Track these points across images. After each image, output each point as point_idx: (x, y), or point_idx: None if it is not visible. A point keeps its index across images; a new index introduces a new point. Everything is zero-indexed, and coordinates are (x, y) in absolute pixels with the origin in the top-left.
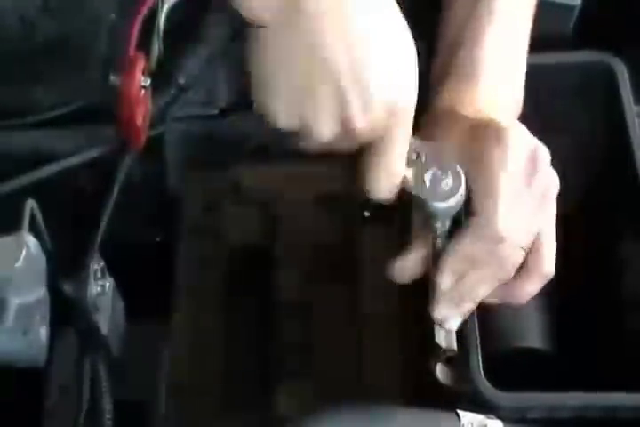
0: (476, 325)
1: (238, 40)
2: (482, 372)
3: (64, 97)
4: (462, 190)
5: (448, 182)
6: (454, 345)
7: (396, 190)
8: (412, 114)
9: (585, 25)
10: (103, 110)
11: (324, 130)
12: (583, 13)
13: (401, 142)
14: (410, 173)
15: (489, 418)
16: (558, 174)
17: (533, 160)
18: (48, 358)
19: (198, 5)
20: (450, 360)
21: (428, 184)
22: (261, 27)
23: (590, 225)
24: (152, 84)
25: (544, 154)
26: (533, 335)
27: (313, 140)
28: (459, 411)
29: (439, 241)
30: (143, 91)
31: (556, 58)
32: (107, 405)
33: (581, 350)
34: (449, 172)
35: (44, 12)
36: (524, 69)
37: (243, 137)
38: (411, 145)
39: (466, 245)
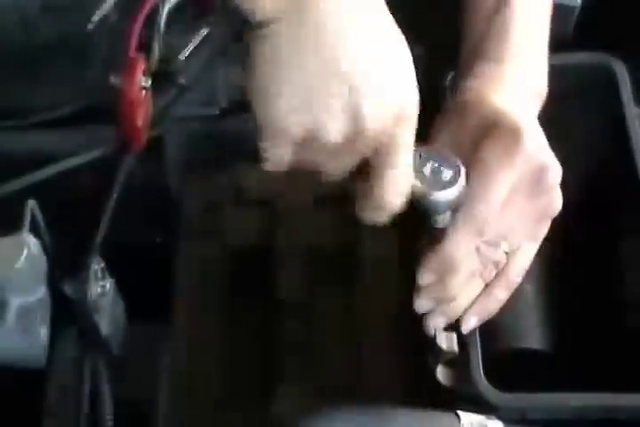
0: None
1: (238, 40)
2: (482, 372)
3: (64, 97)
4: (462, 181)
5: (448, 173)
6: (454, 346)
7: (405, 200)
8: (416, 118)
9: (585, 26)
10: (103, 111)
11: (334, 129)
12: (583, 14)
13: (409, 148)
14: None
15: (489, 419)
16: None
17: (540, 175)
18: (48, 359)
19: (198, 5)
20: (450, 361)
21: (427, 176)
22: (267, 26)
23: (591, 225)
24: (152, 84)
25: (555, 171)
26: (533, 336)
27: (319, 141)
28: (459, 411)
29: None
30: (143, 91)
31: (557, 59)
32: (107, 405)
33: (581, 350)
34: (448, 164)
35: (44, 12)
36: (546, 58)
37: (243, 137)
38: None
39: (449, 243)
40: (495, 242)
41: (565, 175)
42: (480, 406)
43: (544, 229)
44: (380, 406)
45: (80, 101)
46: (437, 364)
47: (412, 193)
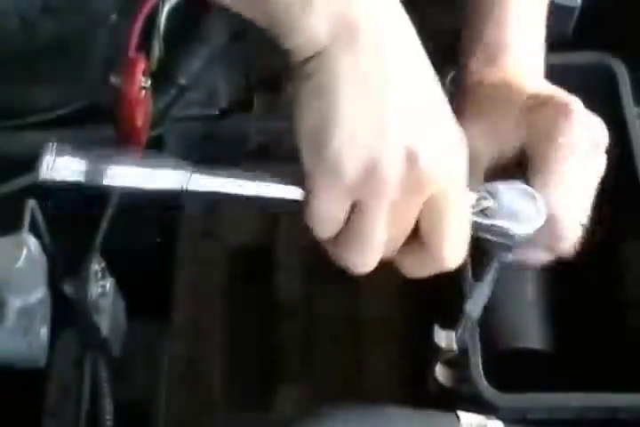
0: (476, 325)
1: (237, 40)
2: (482, 373)
3: (64, 97)
4: (543, 208)
5: (525, 204)
6: (454, 346)
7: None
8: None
9: (585, 26)
10: (103, 111)
11: (392, 170)
12: (583, 14)
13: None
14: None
15: (489, 419)
16: None
17: (596, 135)
18: (48, 359)
19: (198, 5)
20: (450, 361)
21: (504, 210)
22: (316, 60)
23: (592, 225)
24: (152, 84)
25: (603, 127)
26: (533, 336)
27: (377, 184)
28: (458, 412)
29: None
30: (143, 91)
31: (556, 59)
32: (107, 405)
33: (581, 350)
34: (521, 193)
35: (44, 12)
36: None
37: (243, 137)
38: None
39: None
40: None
41: None
42: (480, 406)
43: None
44: (380, 407)
45: (80, 101)
46: (437, 364)
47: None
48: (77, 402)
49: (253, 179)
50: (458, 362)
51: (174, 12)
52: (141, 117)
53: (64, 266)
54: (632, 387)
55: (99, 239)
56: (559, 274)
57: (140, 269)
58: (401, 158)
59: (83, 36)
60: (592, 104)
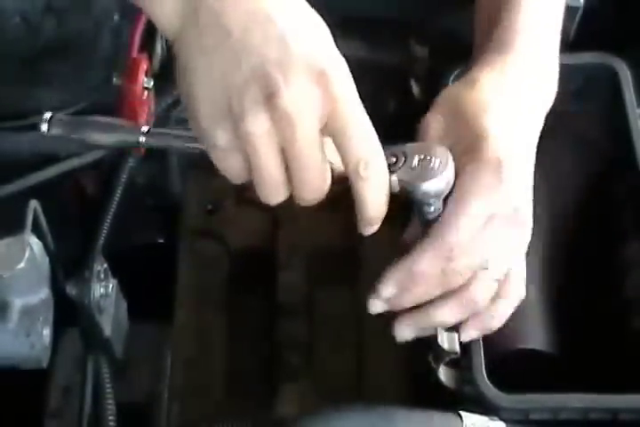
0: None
1: None
2: (484, 373)
3: (66, 98)
4: (451, 169)
5: (436, 163)
6: (457, 347)
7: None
8: (348, 84)
9: (588, 26)
10: (106, 111)
11: (253, 117)
12: (586, 14)
13: (359, 108)
14: (394, 177)
15: (492, 419)
16: (562, 176)
17: (515, 215)
18: (51, 359)
19: None
20: (452, 362)
21: (414, 167)
22: (178, 40)
23: (594, 226)
24: (155, 85)
25: (527, 212)
26: (536, 337)
27: (248, 138)
28: (461, 412)
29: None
30: (146, 92)
31: (559, 59)
32: (109, 405)
33: (584, 351)
34: (436, 153)
35: (46, 12)
36: (556, 60)
37: None
38: (386, 150)
39: (411, 259)
40: (469, 268)
41: (567, 176)
42: (482, 406)
43: (522, 257)
44: (382, 407)
45: (82, 102)
46: (440, 364)
47: (400, 187)
48: (79, 403)
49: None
50: (460, 363)
51: None
52: (144, 118)
53: (66, 267)
54: (634, 388)
55: (101, 240)
56: (560, 274)
57: (142, 270)
58: (261, 110)
59: (85, 36)
60: (594, 104)
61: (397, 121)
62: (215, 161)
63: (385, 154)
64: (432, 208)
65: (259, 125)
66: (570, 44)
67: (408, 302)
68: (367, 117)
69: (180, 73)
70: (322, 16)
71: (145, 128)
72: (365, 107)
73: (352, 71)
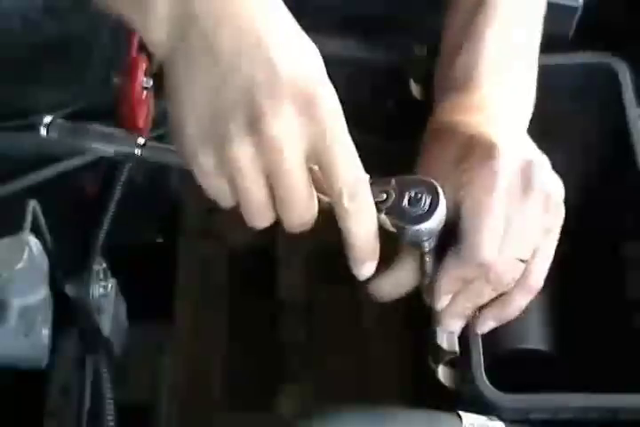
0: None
1: None
2: (484, 373)
3: (66, 97)
4: (442, 205)
5: (427, 201)
6: (456, 347)
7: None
8: (336, 111)
9: (587, 26)
10: (105, 111)
11: (238, 142)
12: (585, 14)
13: (347, 145)
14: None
15: (491, 419)
16: (561, 176)
17: (526, 173)
18: (50, 359)
19: None
20: (452, 362)
21: (405, 207)
22: (166, 55)
23: (594, 226)
24: (154, 84)
25: (539, 163)
26: (536, 337)
27: (232, 164)
28: (460, 412)
29: (428, 259)
30: (145, 92)
31: (558, 59)
32: (108, 405)
33: (583, 350)
34: (427, 188)
35: (46, 12)
36: (534, 70)
37: None
38: (374, 187)
39: (453, 270)
40: (495, 265)
41: (567, 176)
42: (482, 406)
43: (556, 220)
44: (381, 407)
45: (81, 102)
46: (439, 364)
47: (392, 225)
48: (79, 403)
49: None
50: (460, 362)
51: None
52: (143, 118)
53: (65, 267)
54: (633, 387)
55: (100, 240)
56: (561, 274)
57: (141, 269)
58: (247, 135)
59: (84, 35)
60: (593, 104)
61: (397, 121)
62: (202, 184)
63: (374, 190)
64: (425, 244)
65: (244, 150)
66: (568, 43)
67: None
68: (353, 148)
69: (169, 93)
70: (322, 16)
71: (142, 140)
72: (365, 107)
73: (352, 71)
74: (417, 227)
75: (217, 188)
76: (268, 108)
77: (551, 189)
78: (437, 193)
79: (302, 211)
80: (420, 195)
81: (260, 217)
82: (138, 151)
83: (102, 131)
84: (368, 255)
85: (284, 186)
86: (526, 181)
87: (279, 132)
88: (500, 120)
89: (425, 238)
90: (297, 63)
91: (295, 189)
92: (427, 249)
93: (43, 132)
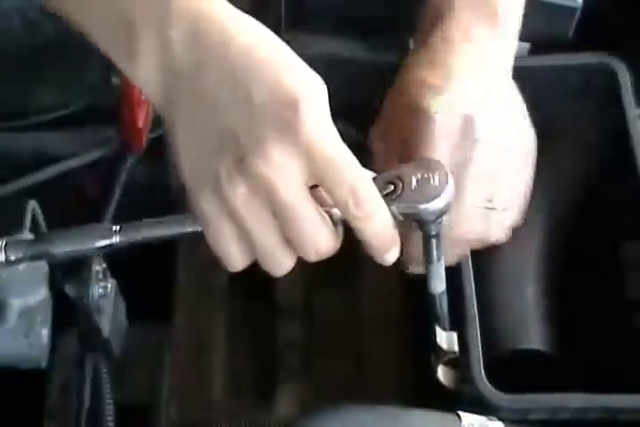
0: (478, 326)
1: None
2: (483, 373)
3: (66, 98)
4: (452, 180)
5: (435, 179)
6: (455, 347)
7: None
8: (321, 125)
9: (586, 26)
10: (105, 111)
11: (227, 183)
12: (584, 14)
13: (346, 155)
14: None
15: (490, 419)
16: (561, 176)
17: (465, 130)
18: (49, 360)
19: None
20: (451, 362)
21: (415, 189)
22: (160, 103)
23: (594, 226)
24: None
25: (478, 115)
26: (535, 337)
27: (224, 199)
28: (460, 412)
29: (434, 242)
30: None
31: (557, 59)
32: (108, 406)
33: (583, 351)
34: (433, 169)
35: (45, 12)
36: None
37: None
38: (379, 180)
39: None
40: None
41: (566, 176)
42: (481, 406)
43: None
44: (380, 407)
45: (81, 102)
46: (438, 364)
47: (406, 212)
48: (78, 403)
49: (163, 222)
50: (459, 363)
51: None
52: (142, 118)
53: (65, 267)
54: (633, 388)
55: None
56: (560, 275)
57: (141, 270)
58: (236, 174)
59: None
60: (593, 106)
61: None
62: (209, 240)
63: (380, 184)
64: (432, 227)
65: (237, 191)
66: (568, 44)
67: None
68: (349, 154)
69: (168, 139)
70: (322, 16)
71: (116, 227)
72: (365, 107)
73: (352, 71)
74: (431, 204)
75: (225, 241)
76: (251, 148)
77: (495, 137)
78: (444, 169)
79: (319, 239)
80: (426, 175)
81: (278, 261)
82: (116, 239)
83: (67, 233)
84: (389, 245)
85: (290, 218)
86: (464, 138)
87: (267, 169)
88: (449, 76)
89: (434, 218)
90: (273, 90)
91: (303, 219)
92: (433, 233)
93: (1, 258)
